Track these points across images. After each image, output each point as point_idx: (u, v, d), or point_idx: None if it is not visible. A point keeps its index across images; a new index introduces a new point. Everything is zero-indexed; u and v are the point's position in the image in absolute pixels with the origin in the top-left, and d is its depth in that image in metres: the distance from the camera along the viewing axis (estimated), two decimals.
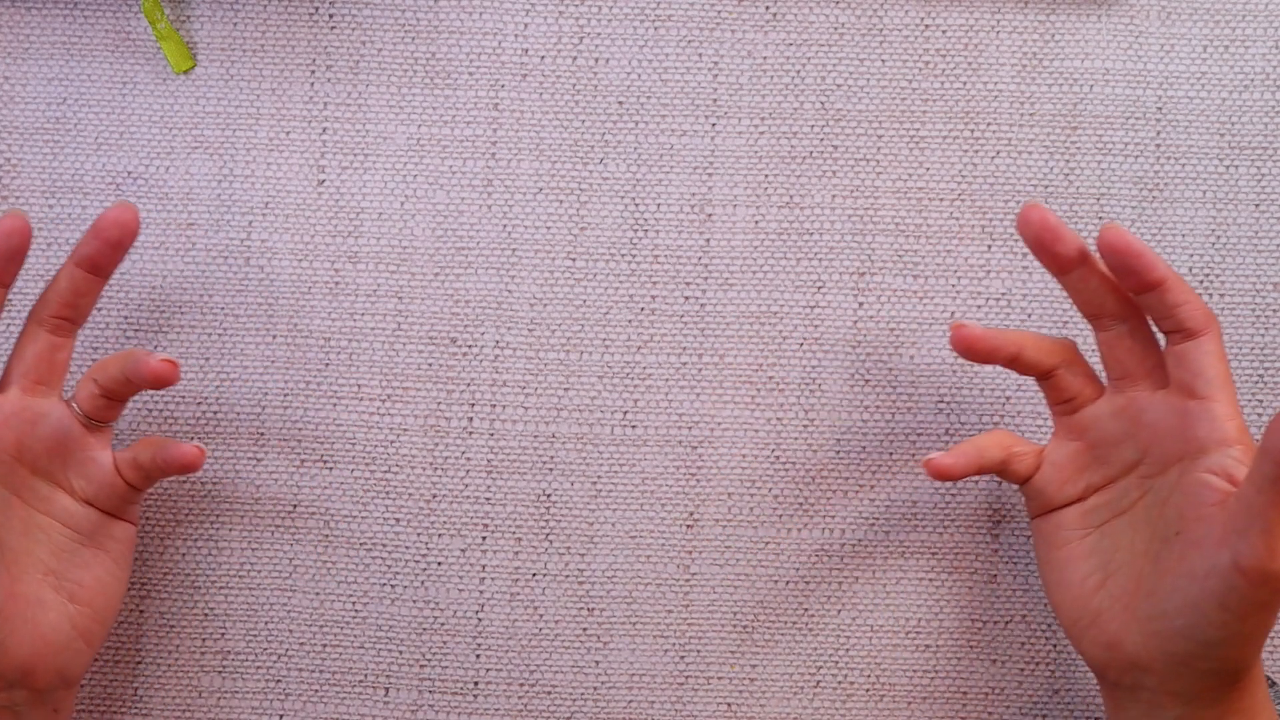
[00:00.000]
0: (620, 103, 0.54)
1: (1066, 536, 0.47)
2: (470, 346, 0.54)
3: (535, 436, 0.54)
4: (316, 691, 0.53)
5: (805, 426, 0.53)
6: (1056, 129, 0.54)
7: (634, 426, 0.54)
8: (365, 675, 0.53)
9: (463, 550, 0.53)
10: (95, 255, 0.47)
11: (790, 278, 0.54)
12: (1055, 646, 0.53)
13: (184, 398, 0.54)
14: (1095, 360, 0.49)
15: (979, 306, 0.54)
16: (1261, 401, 0.53)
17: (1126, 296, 0.46)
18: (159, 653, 0.53)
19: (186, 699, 0.53)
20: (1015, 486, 0.53)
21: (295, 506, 0.53)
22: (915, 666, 0.53)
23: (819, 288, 0.54)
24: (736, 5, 0.54)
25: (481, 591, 0.53)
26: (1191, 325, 0.45)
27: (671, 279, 0.54)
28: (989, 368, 0.53)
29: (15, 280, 0.47)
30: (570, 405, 0.54)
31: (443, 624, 0.53)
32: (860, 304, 0.54)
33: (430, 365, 0.54)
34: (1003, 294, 0.54)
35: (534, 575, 0.53)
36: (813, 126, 0.54)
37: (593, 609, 0.53)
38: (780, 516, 0.53)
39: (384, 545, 0.53)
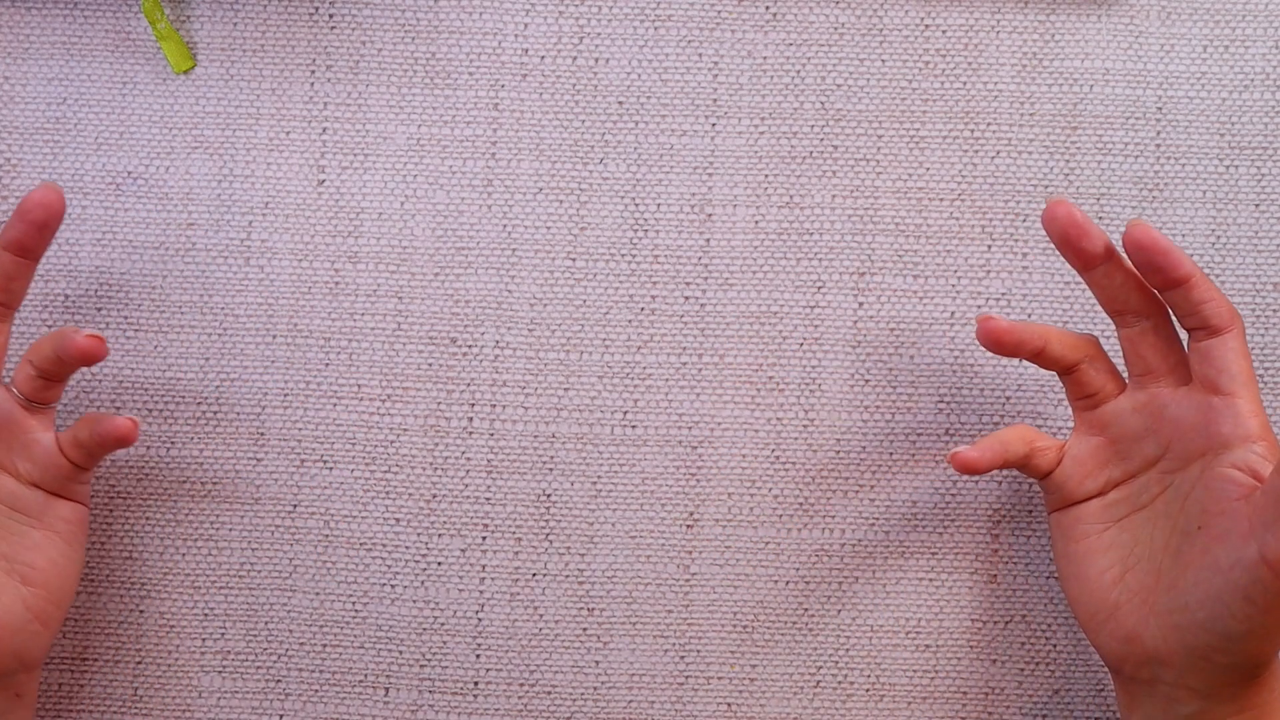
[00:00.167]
0: (620, 103, 0.54)
1: (1086, 530, 0.48)
2: (470, 346, 0.54)
3: (535, 436, 0.54)
4: (316, 691, 0.53)
5: (805, 426, 0.53)
6: (1056, 129, 0.54)
7: (634, 426, 0.54)
8: (365, 675, 0.53)
9: (463, 550, 0.53)
10: (22, 238, 0.47)
11: (790, 278, 0.54)
12: (1055, 646, 0.53)
13: (184, 398, 0.54)
14: (1115, 355, 0.49)
15: (979, 306, 0.54)
16: (1263, 401, 0.53)
17: (1150, 293, 0.46)
18: (159, 653, 0.53)
19: (186, 699, 0.53)
20: (1021, 484, 0.53)
21: (295, 506, 0.53)
22: (915, 666, 0.53)
23: (819, 288, 0.54)
24: (736, 5, 0.54)
25: (481, 591, 0.53)
26: (1216, 322, 0.45)
27: (671, 279, 0.54)
28: (989, 368, 0.53)
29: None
30: (570, 405, 0.54)
31: (443, 624, 0.53)
32: (860, 304, 0.54)
33: (430, 365, 0.54)
34: (1003, 294, 0.54)
35: (534, 575, 0.53)
36: (813, 126, 0.54)
37: (593, 609, 0.53)
38: (780, 516, 0.53)
39: (384, 545, 0.53)
